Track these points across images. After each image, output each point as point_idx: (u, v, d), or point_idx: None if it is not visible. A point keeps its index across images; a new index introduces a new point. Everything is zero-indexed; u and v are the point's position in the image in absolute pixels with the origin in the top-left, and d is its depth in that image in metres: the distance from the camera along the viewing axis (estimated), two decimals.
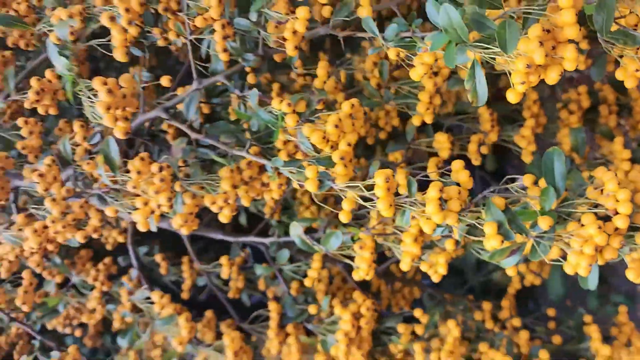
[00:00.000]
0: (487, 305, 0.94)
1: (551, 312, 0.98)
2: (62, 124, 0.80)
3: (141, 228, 0.69)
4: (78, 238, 0.73)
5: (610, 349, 0.86)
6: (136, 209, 0.69)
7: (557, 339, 0.90)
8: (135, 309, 0.95)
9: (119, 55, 0.67)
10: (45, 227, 0.73)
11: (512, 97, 0.52)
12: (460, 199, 0.59)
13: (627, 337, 0.91)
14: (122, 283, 0.94)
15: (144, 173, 0.66)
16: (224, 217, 0.71)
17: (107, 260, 0.95)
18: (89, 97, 0.62)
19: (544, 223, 0.55)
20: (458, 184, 0.60)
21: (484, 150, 0.90)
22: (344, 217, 0.62)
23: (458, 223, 0.59)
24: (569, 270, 0.56)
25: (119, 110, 0.61)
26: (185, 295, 1.02)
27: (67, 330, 1.01)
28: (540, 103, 0.92)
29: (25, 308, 0.86)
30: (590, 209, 0.57)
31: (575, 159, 0.92)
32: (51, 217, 0.72)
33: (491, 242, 0.57)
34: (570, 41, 0.49)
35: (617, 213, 0.55)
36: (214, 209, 0.70)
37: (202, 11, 0.69)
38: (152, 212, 0.69)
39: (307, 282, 0.86)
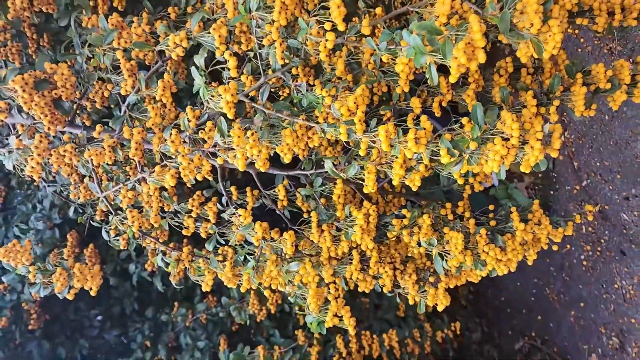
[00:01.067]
0: (448, 205, 1.45)
1: (491, 207, 1.49)
2: (189, 110, 1.25)
3: (240, 167, 1.17)
4: (198, 177, 1.21)
5: (525, 225, 1.38)
6: (235, 158, 1.16)
7: (492, 222, 1.42)
8: (219, 223, 1.44)
9: (232, 72, 1.11)
10: (178, 172, 1.20)
11: (452, 78, 0.99)
12: (426, 137, 1.08)
13: (537, 219, 1.43)
14: (212, 206, 1.42)
15: (241, 137, 1.13)
16: (287, 159, 1.19)
17: (198, 192, 1.44)
18: (212, 97, 1.08)
19: (473, 145, 1.04)
20: (424, 128, 1.09)
21: (444, 104, 1.37)
22: (362, 152, 1.10)
23: (425, 150, 1.08)
24: (489, 169, 1.06)
25: (230, 102, 1.07)
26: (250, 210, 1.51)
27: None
28: (480, 71, 1.38)
29: (155, 224, 1.35)
30: (499, 135, 1.07)
31: (503, 106, 1.40)
32: (182, 166, 1.19)
33: (444, 159, 1.06)
34: (482, 48, 0.96)
35: (512, 136, 1.04)
36: (281, 154, 1.18)
37: (265, 34, 1.14)
38: (245, 157, 1.16)
39: (334, 198, 1.36)
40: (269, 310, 2.39)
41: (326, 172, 1.36)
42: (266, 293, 1.44)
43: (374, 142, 1.10)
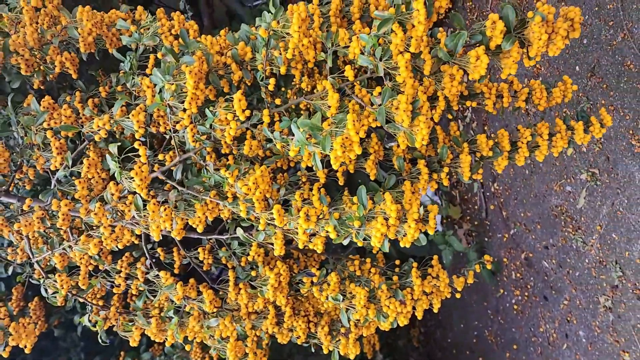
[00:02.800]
0: (356, 262, 1.61)
1: (397, 262, 1.65)
2: (112, 185, 1.39)
3: (155, 238, 1.30)
4: (119, 246, 1.34)
5: (422, 280, 1.54)
6: (149, 228, 1.30)
7: (395, 278, 1.58)
8: (148, 281, 1.56)
9: (142, 158, 1.26)
10: (100, 241, 1.33)
11: (334, 166, 1.15)
12: (316, 214, 1.23)
13: (436, 272, 1.59)
14: (140, 266, 1.55)
15: (156, 211, 1.27)
16: (199, 229, 1.33)
17: (127, 254, 1.56)
18: (126, 178, 1.23)
19: (357, 224, 1.20)
20: (315, 206, 1.24)
21: (351, 169, 1.54)
22: (261, 227, 1.25)
23: (316, 227, 1.24)
24: (374, 243, 1.22)
25: (141, 185, 1.22)
26: (176, 271, 1.64)
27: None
28: (380, 143, 1.57)
29: (83, 286, 1.46)
30: (381, 214, 1.23)
31: (402, 174, 1.58)
32: (104, 236, 1.32)
33: (332, 235, 1.22)
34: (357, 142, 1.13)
35: (390, 216, 1.21)
36: (194, 225, 1.32)
37: (178, 119, 1.29)
38: (160, 229, 1.30)
39: (249, 258, 1.50)
40: (212, 358, 2.49)
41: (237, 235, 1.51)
42: (187, 347, 1.56)
43: (272, 218, 1.25)
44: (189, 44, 1.37)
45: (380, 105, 1.24)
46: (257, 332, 1.58)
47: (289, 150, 1.24)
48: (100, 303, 1.58)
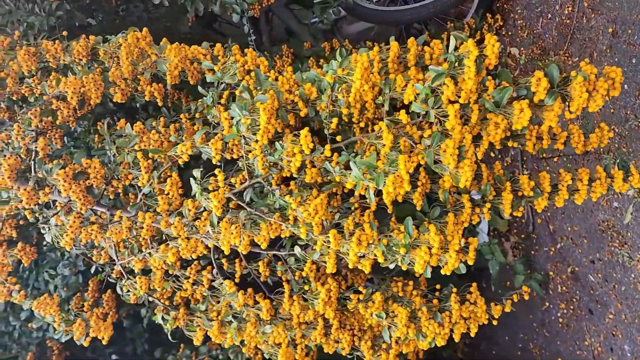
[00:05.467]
0: (399, 284, 1.75)
1: (437, 286, 1.78)
2: (189, 202, 1.59)
3: (225, 251, 1.49)
4: (194, 256, 1.54)
5: (460, 305, 1.67)
6: (219, 242, 1.49)
7: (435, 301, 1.71)
8: (212, 288, 1.76)
9: (220, 182, 1.46)
10: (178, 251, 1.54)
11: (386, 201, 1.31)
12: (367, 240, 1.39)
13: (474, 299, 1.72)
14: (207, 274, 1.75)
15: (228, 229, 1.46)
16: (263, 246, 1.51)
17: (195, 262, 1.76)
18: (207, 199, 1.42)
19: (402, 251, 1.36)
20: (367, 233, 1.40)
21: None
22: (317, 247, 1.42)
23: (367, 250, 1.39)
24: (418, 269, 1.37)
25: (217, 205, 1.41)
26: (236, 280, 1.83)
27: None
28: (427, 176, 1.71)
29: (158, 288, 1.68)
30: (425, 244, 1.38)
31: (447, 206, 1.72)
32: (181, 246, 1.52)
33: (380, 259, 1.37)
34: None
35: (433, 246, 1.35)
36: (258, 242, 1.50)
37: (250, 149, 1.48)
38: (230, 244, 1.49)
39: (303, 274, 1.68)
40: (264, 355, 2.67)
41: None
42: (244, 350, 1.74)
43: (328, 240, 1.42)
44: (262, 83, 1.57)
45: (429, 147, 1.39)
46: (306, 342, 1.75)
47: (346, 181, 1.41)
48: (167, 303, 1.79)
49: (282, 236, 1.54)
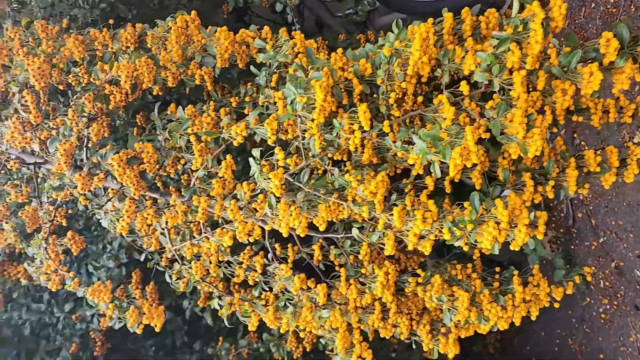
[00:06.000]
0: (458, 266, 1.70)
1: (497, 269, 1.73)
2: (245, 185, 1.57)
3: (284, 234, 1.46)
4: (251, 239, 1.51)
5: (524, 288, 1.61)
6: (277, 225, 1.46)
7: (496, 284, 1.65)
8: (263, 273, 1.73)
9: (280, 162, 1.43)
10: (234, 235, 1.51)
11: (451, 173, 1.26)
12: (432, 217, 1.35)
13: (537, 281, 1.65)
14: (260, 259, 1.72)
15: (286, 210, 1.43)
16: (322, 227, 1.48)
17: (248, 247, 1.74)
18: (264, 179, 1.39)
19: (469, 227, 1.31)
20: (431, 210, 1.36)
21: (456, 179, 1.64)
22: (380, 227, 1.38)
23: (431, 228, 1.35)
24: (484, 246, 1.32)
25: (277, 185, 1.38)
26: (289, 265, 1.80)
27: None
28: (486, 154, 1.65)
29: (214, 273, 1.65)
30: (492, 219, 1.33)
31: (506, 184, 1.66)
32: (238, 230, 1.50)
33: (446, 236, 1.33)
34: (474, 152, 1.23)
35: (502, 221, 1.30)
36: (317, 224, 1.47)
37: (306, 128, 1.45)
38: (288, 226, 1.46)
39: (360, 257, 1.64)
40: (305, 349, 2.64)
41: (351, 235, 1.64)
42: (302, 335, 1.70)
43: (390, 219, 1.38)
44: (315, 61, 1.53)
45: (494, 118, 1.34)
46: (362, 326, 1.71)
47: (407, 157, 1.37)
48: (222, 289, 1.77)
49: (338, 218, 1.50)
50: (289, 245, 1.79)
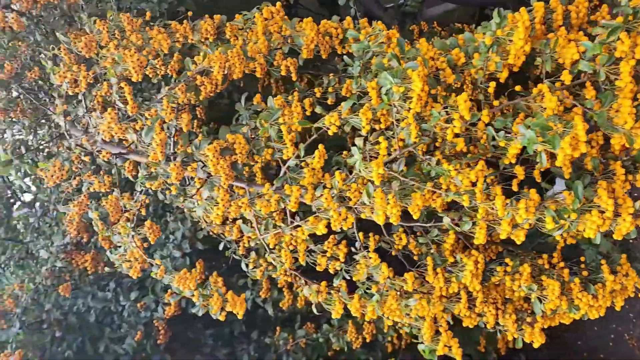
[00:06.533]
0: (545, 256, 1.70)
1: (582, 259, 1.72)
2: (338, 174, 1.59)
3: (380, 222, 1.48)
4: (344, 227, 1.53)
5: (615, 276, 1.61)
6: (373, 213, 1.48)
7: (585, 273, 1.65)
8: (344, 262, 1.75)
9: (382, 151, 1.44)
10: (329, 223, 1.53)
11: (558, 162, 1.27)
12: (534, 206, 1.35)
13: (625, 270, 1.65)
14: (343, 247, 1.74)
15: (383, 199, 1.44)
16: (415, 216, 1.49)
17: (332, 236, 1.76)
18: (367, 168, 1.41)
19: (573, 216, 1.31)
20: (533, 199, 1.36)
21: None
22: (479, 215, 1.39)
23: (533, 217, 1.35)
24: (587, 235, 1.32)
25: (379, 174, 1.40)
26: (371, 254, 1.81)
27: None
28: None
29: (302, 261, 1.68)
30: (596, 208, 1.32)
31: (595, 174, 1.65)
32: (332, 218, 1.52)
33: (549, 225, 1.33)
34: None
35: (607, 210, 1.30)
36: (411, 212, 1.48)
37: (402, 117, 1.46)
38: (385, 215, 1.47)
39: (446, 246, 1.65)
40: (364, 339, 2.66)
41: (439, 224, 1.65)
42: (388, 323, 1.72)
43: (491, 208, 1.38)
44: (406, 51, 1.54)
45: (598, 108, 1.33)
46: (446, 315, 1.72)
47: (509, 146, 1.37)
48: (303, 278, 1.80)
49: (433, 206, 1.51)
50: (371, 234, 1.81)
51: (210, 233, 2.24)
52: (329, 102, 1.76)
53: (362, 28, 1.73)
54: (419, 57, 1.48)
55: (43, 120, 2.52)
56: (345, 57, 1.65)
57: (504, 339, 2.78)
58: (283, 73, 1.73)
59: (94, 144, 1.69)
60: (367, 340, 2.66)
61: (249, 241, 1.97)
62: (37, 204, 3.26)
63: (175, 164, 1.59)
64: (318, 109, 1.61)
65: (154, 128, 1.55)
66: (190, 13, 1.93)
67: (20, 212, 3.63)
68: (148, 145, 1.59)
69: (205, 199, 1.64)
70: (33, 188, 2.51)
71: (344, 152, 1.76)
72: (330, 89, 1.77)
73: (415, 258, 1.82)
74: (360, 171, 1.45)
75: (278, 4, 1.74)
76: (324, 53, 1.75)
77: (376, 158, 1.49)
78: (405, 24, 3.16)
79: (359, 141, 1.45)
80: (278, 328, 2.95)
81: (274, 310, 2.75)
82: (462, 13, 3.83)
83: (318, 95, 1.75)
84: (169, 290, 2.59)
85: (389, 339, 2.83)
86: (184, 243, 2.70)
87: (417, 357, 2.39)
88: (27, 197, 4.28)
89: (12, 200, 3.83)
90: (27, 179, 2.94)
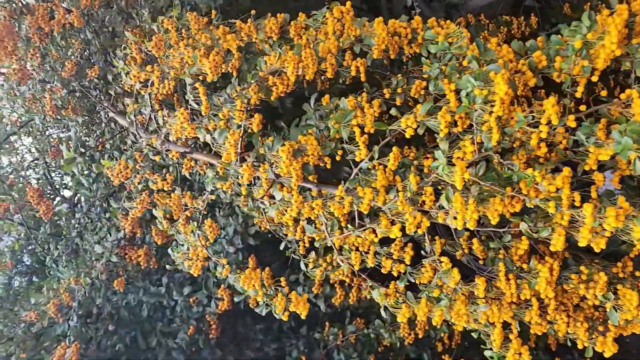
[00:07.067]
0: (619, 264, 1.65)
1: None
2: (412, 178, 1.57)
3: (458, 227, 1.45)
4: (419, 231, 1.51)
5: None
6: (450, 218, 1.46)
7: None
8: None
9: (469, 155, 1.42)
10: (403, 226, 1.51)
11: None
12: (623, 214, 1.31)
13: None
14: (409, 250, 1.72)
15: (463, 204, 1.42)
16: (494, 221, 1.46)
17: (398, 240, 1.74)
18: (449, 173, 1.39)
19: None
20: (622, 207, 1.32)
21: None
22: (564, 222, 1.35)
23: (622, 225, 1.31)
24: None
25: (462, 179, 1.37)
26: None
27: None
28: None
29: (371, 263, 1.67)
30: None
31: None
32: (408, 222, 1.50)
33: (637, 234, 1.29)
34: None
35: None
36: (490, 217, 1.46)
37: (482, 121, 1.43)
38: (463, 219, 1.45)
39: (518, 252, 1.62)
40: (417, 335, 2.65)
41: (514, 229, 1.62)
42: (458, 328, 1.70)
43: (578, 215, 1.35)
44: (486, 53, 1.51)
45: None
46: (514, 322, 1.69)
47: (599, 153, 1.33)
48: (371, 281, 1.78)
49: (511, 211, 1.48)
50: (437, 237, 1.79)
51: (263, 229, 2.24)
52: (397, 102, 1.74)
53: (430, 27, 1.70)
54: (501, 60, 1.45)
55: (96, 120, 2.55)
56: (423, 58, 1.62)
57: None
58: (353, 74, 1.71)
59: (163, 143, 1.69)
60: (420, 337, 2.65)
61: (309, 241, 1.97)
62: (82, 199, 3.31)
63: (247, 165, 1.59)
64: (393, 111, 1.58)
65: (227, 129, 1.55)
66: (253, 12, 1.92)
67: (60, 207, 3.71)
68: (221, 146, 1.59)
69: (279, 201, 1.64)
70: (85, 184, 2.53)
71: (411, 154, 1.74)
72: (399, 90, 1.74)
73: (481, 262, 1.80)
74: (442, 175, 1.42)
75: (348, 3, 1.72)
76: (392, 53, 1.72)
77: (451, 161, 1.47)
78: (452, 18, 3.11)
79: (443, 145, 1.43)
80: (327, 323, 2.95)
81: (325, 305, 2.75)
82: (504, 4, 3.75)
83: (387, 96, 1.73)
84: (222, 286, 2.62)
85: (441, 335, 2.82)
86: (236, 238, 2.71)
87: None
88: (67, 194, 4.36)
89: (52, 197, 3.91)
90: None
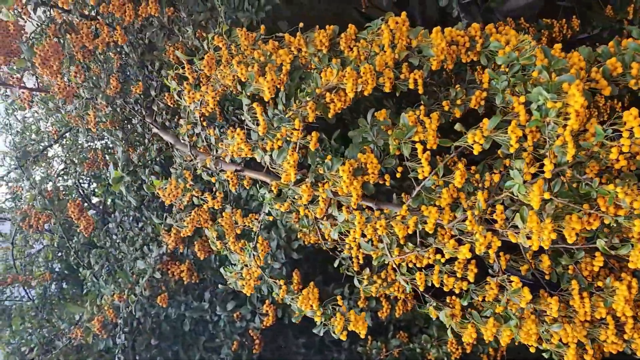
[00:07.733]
0: None
1: None
2: (480, 195, 1.51)
3: (534, 247, 1.39)
4: (490, 252, 1.45)
5: None
6: (521, 237, 1.39)
7: None
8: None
9: (547, 174, 1.35)
10: (472, 247, 1.45)
11: None
12: None
13: None
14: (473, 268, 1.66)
15: (538, 223, 1.35)
16: (571, 240, 1.39)
17: (462, 258, 1.68)
18: (525, 193, 1.32)
19: None
20: None
21: None
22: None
23: None
24: None
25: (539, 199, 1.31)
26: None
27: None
28: None
29: (437, 284, 1.61)
30: None
31: None
32: (478, 242, 1.44)
33: None
34: None
35: None
36: (567, 236, 1.39)
37: (555, 134, 1.36)
38: (539, 238, 1.38)
39: (595, 268, 1.54)
40: (464, 350, 2.58)
41: (589, 245, 1.55)
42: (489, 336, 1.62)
43: None
44: (555, 62, 1.44)
45: None
46: (586, 341, 1.62)
47: None
48: (434, 300, 1.72)
49: (588, 228, 1.41)
50: (501, 254, 1.72)
51: (306, 243, 2.20)
52: (456, 114, 1.68)
53: (489, 35, 1.64)
54: (573, 69, 1.38)
55: (137, 136, 2.52)
56: (488, 70, 1.55)
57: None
58: (411, 86, 1.65)
59: (217, 164, 1.65)
60: (468, 352, 2.58)
61: (363, 257, 1.92)
62: (116, 210, 3.30)
63: (306, 185, 1.54)
64: (458, 127, 1.52)
65: (286, 149, 1.50)
66: (301, 24, 1.87)
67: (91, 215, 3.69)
68: (279, 166, 1.54)
69: (342, 223, 1.59)
70: (133, 202, 2.51)
71: (473, 168, 1.68)
72: (458, 101, 1.68)
73: (547, 277, 1.72)
74: (518, 195, 1.36)
75: (403, 13, 1.66)
76: (449, 63, 1.66)
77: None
78: (492, 22, 3.03)
79: (519, 164, 1.36)
80: (370, 337, 2.89)
81: (371, 319, 2.69)
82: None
83: (446, 108, 1.67)
84: (267, 301, 2.58)
85: (489, 350, 2.74)
86: (279, 253, 2.67)
87: None
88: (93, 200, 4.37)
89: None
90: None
